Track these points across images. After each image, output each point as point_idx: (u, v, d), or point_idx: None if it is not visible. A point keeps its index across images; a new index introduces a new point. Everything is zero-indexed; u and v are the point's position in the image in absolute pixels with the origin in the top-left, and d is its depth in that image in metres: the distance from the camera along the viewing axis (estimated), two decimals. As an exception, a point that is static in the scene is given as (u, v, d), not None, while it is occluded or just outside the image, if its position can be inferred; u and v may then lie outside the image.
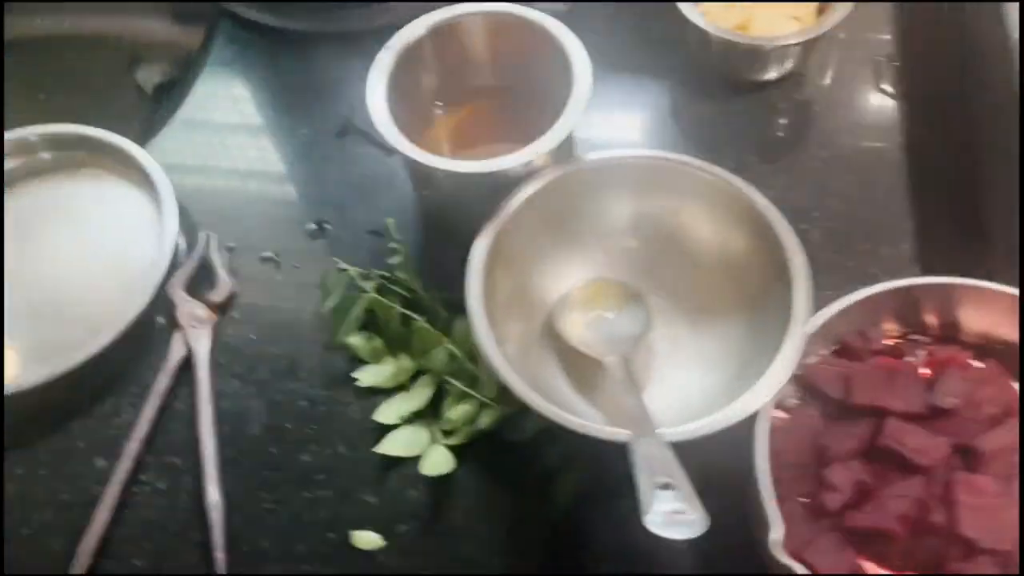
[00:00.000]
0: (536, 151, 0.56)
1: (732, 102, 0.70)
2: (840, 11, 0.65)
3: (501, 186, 0.57)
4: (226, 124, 0.73)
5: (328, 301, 0.60)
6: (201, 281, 0.65)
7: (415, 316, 0.58)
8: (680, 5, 0.67)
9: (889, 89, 0.70)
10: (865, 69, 0.71)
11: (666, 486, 0.44)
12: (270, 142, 0.72)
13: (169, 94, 0.92)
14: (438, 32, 0.62)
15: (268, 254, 0.66)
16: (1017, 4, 0.60)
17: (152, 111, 0.96)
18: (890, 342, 0.55)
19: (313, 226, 0.67)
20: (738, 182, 0.56)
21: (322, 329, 0.62)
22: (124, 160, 0.67)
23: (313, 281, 0.64)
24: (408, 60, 0.61)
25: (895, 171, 0.65)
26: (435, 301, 0.60)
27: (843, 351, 0.55)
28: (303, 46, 0.77)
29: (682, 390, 0.55)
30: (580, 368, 0.58)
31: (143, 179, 0.66)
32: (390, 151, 0.69)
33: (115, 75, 0.92)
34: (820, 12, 0.68)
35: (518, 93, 0.66)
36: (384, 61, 0.60)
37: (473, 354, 0.56)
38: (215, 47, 0.78)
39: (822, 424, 0.52)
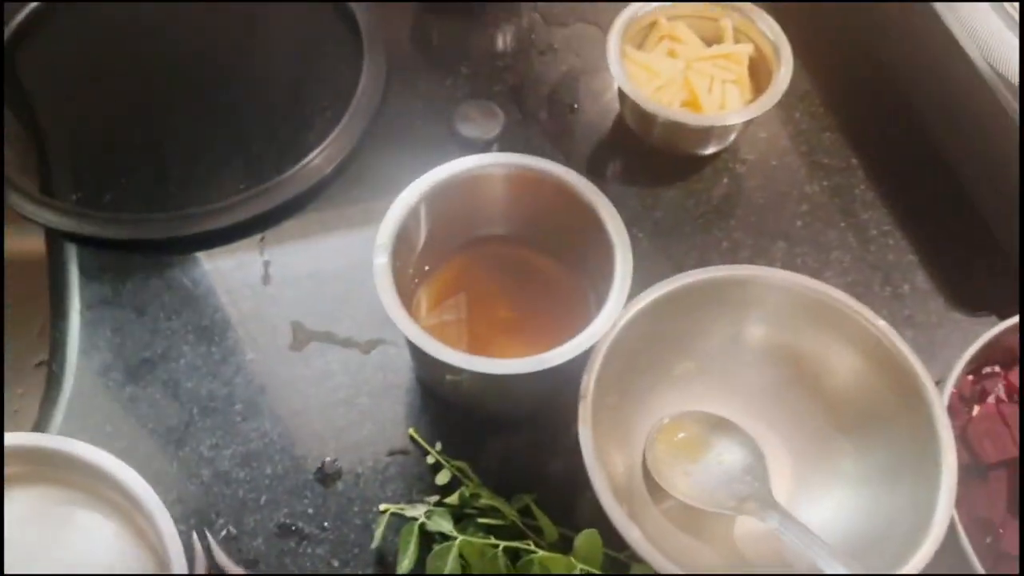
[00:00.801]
0: (593, 337, 0.49)
1: (689, 177, 0.67)
2: (782, 81, 0.62)
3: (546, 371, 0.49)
4: (138, 375, 0.58)
5: (404, 563, 0.49)
6: (216, 595, 0.50)
7: (526, 547, 0.49)
8: (620, 83, 0.62)
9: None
10: (799, 116, 0.70)
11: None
12: (210, 382, 0.57)
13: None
14: (427, 199, 0.53)
15: (284, 522, 0.53)
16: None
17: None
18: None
19: (321, 469, 0.54)
20: (873, 319, 0.50)
21: (397, 594, 0.51)
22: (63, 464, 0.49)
23: (355, 539, 0.53)
24: (398, 244, 0.51)
25: (874, 206, 0.65)
26: (528, 515, 0.51)
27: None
28: (167, 256, 0.62)
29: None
30: (687, 517, 0.52)
31: (93, 483, 0.49)
32: (367, 349, 0.58)
33: None
34: (752, 66, 0.66)
35: (506, 239, 0.58)
36: (382, 264, 0.49)
37: (605, 565, 0.49)
38: (68, 284, 0.61)
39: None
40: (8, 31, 0.72)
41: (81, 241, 0.62)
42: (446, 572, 0.48)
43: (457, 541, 0.49)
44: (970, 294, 0.61)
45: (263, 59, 0.72)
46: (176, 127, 0.68)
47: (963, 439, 0.53)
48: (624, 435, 0.53)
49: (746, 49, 0.65)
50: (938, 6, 0.62)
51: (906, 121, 0.69)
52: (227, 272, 0.62)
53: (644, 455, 0.54)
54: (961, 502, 0.48)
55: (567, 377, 0.50)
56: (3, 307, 0.58)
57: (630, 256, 0.50)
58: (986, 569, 0.47)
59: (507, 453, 0.55)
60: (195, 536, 0.51)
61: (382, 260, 0.49)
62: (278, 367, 0.58)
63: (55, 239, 0.63)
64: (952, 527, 0.46)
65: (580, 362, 0.49)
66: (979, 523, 0.50)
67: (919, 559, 0.44)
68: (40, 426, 0.56)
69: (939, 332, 0.60)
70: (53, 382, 0.58)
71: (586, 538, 0.48)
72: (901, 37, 0.69)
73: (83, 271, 0.62)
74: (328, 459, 0.55)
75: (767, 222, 0.65)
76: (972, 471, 0.52)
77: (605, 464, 0.48)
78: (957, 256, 0.63)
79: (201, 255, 0.62)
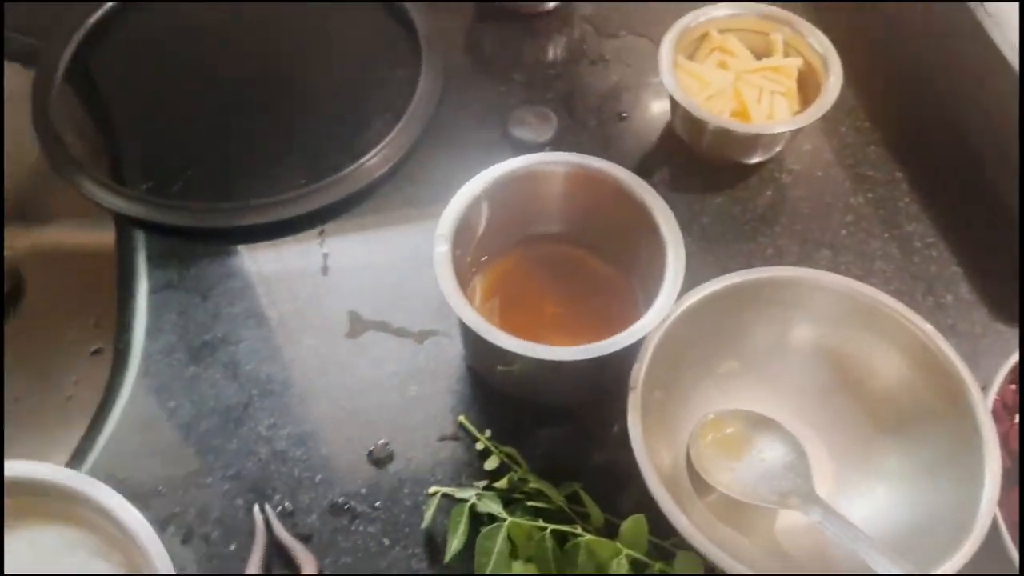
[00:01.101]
0: (644, 329, 0.51)
1: (735, 185, 0.68)
2: (831, 93, 0.64)
3: (597, 360, 0.51)
4: (200, 356, 0.60)
5: (453, 543, 0.51)
6: (272, 562, 0.52)
7: (572, 530, 0.50)
8: (672, 91, 0.64)
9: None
10: (845, 130, 0.72)
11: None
12: (269, 366, 0.60)
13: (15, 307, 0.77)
14: (489, 192, 0.55)
15: (337, 501, 0.54)
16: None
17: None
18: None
19: (374, 451, 0.56)
20: (921, 323, 0.51)
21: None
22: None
23: (406, 519, 0.54)
24: (458, 235, 0.53)
25: (918, 219, 0.67)
26: (575, 501, 0.52)
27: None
28: (231, 244, 0.65)
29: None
30: (730, 512, 0.53)
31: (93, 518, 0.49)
32: (420, 339, 0.60)
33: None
34: (801, 79, 0.68)
35: (559, 238, 0.60)
36: (443, 253, 0.51)
37: (649, 551, 0.50)
38: (135, 268, 0.64)
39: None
40: (84, 29, 0.76)
41: (149, 228, 0.65)
42: (495, 552, 0.49)
43: (506, 522, 0.50)
44: (1014, 305, 0.62)
45: (326, 63, 0.75)
46: (241, 123, 0.71)
47: (1005, 445, 0.53)
48: (669, 430, 0.55)
49: (795, 63, 0.67)
50: (985, 22, 0.63)
51: (951, 136, 0.70)
52: (287, 262, 0.64)
53: (688, 450, 0.55)
54: (1001, 506, 0.49)
55: (614, 371, 0.51)
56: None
57: (683, 252, 0.52)
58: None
59: (554, 444, 0.57)
60: (256, 508, 0.53)
61: (443, 248, 0.51)
62: (335, 354, 0.60)
63: (124, 226, 0.66)
64: (995, 527, 0.47)
65: (627, 357, 0.51)
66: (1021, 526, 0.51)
67: (962, 554, 0.45)
68: (107, 403, 0.59)
69: (983, 342, 0.61)
70: (119, 361, 0.60)
71: (632, 523, 0.50)
72: (947, 53, 0.70)
73: (150, 257, 0.64)
74: (381, 442, 0.57)
75: (812, 231, 0.66)
76: (1013, 476, 0.53)
77: (652, 458, 0.49)
78: (1002, 268, 0.64)
79: (263, 245, 0.65)
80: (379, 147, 0.68)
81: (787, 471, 0.53)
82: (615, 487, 0.54)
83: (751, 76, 0.67)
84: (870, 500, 0.52)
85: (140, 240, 0.65)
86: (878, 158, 0.70)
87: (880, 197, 0.68)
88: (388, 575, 0.52)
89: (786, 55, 0.68)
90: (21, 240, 0.85)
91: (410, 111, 0.70)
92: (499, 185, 0.54)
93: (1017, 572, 0.48)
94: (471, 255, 0.57)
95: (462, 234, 0.53)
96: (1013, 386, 0.56)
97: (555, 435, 0.57)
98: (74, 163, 0.67)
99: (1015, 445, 0.54)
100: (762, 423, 0.55)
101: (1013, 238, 0.65)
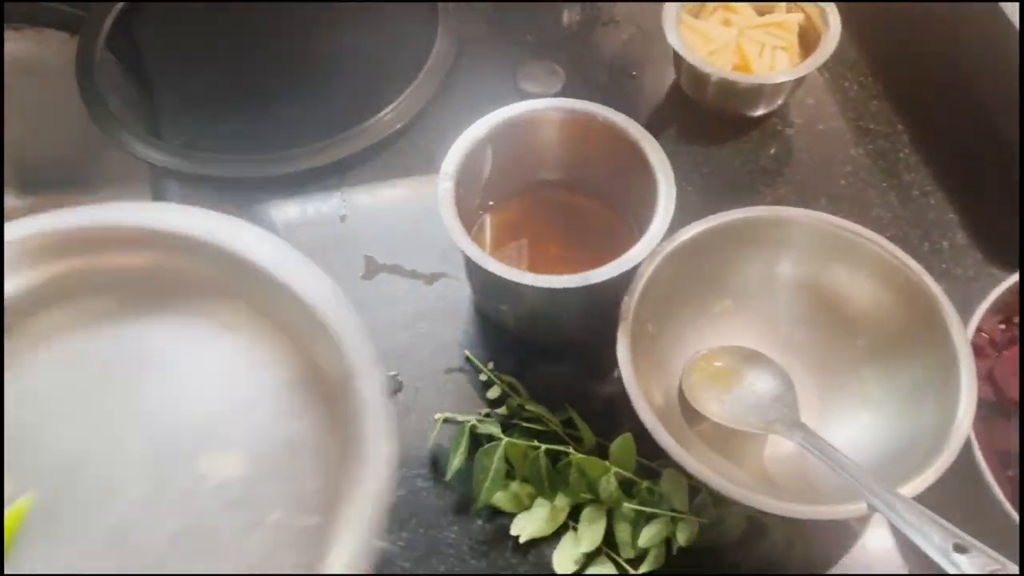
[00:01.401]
0: (635, 258, 0.53)
1: (739, 138, 0.71)
2: (830, 43, 0.66)
3: (592, 291, 0.54)
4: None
5: (454, 462, 0.54)
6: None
7: (565, 449, 0.53)
8: (676, 46, 0.66)
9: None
10: (848, 84, 0.74)
11: (959, 547, 0.42)
12: (290, 304, 0.64)
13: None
14: (491, 136, 0.58)
15: (348, 428, 0.58)
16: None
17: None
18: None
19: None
20: (905, 258, 0.54)
21: (446, 493, 0.56)
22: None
23: (412, 442, 0.58)
24: (462, 175, 0.56)
25: (917, 169, 0.68)
26: (570, 427, 0.55)
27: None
28: (258, 194, 0.69)
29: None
30: (719, 440, 0.55)
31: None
32: (430, 280, 0.64)
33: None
34: (801, 34, 0.69)
35: (560, 185, 0.63)
36: (447, 189, 0.55)
37: (637, 471, 0.53)
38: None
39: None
40: (124, -1, 0.81)
41: (182, 178, 0.70)
42: (492, 469, 0.53)
43: (503, 442, 0.53)
44: (1008, 250, 0.63)
45: (349, 24, 0.79)
46: (268, 83, 0.76)
47: (989, 379, 0.55)
48: (660, 365, 0.57)
49: (796, 17, 0.69)
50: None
51: (953, 90, 0.71)
52: (309, 210, 0.68)
53: (680, 384, 0.57)
54: (984, 436, 0.51)
55: (609, 308, 0.54)
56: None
57: (673, 183, 0.54)
58: (1007, 498, 0.49)
59: (552, 379, 0.60)
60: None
61: (447, 185, 0.55)
62: (350, 293, 0.62)
63: (159, 177, 0.70)
64: (970, 450, 0.49)
65: (622, 293, 0.53)
66: (1001, 456, 0.53)
67: (934, 471, 0.47)
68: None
69: (975, 285, 0.62)
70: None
71: (621, 442, 0.53)
72: (950, 8, 0.71)
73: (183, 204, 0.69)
74: (391, 374, 0.60)
75: (811, 181, 0.68)
76: (996, 408, 0.54)
77: (641, 385, 0.52)
78: (999, 216, 0.65)
79: (287, 194, 0.69)
80: (396, 103, 0.71)
81: (775, 402, 0.55)
82: (609, 422, 0.56)
83: (753, 32, 0.69)
84: (854, 426, 0.54)
85: (174, 190, 0.70)
86: (879, 111, 0.71)
87: (880, 149, 0.69)
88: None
89: (788, 11, 0.70)
90: (69, 205, 0.91)
91: (426, 69, 0.73)
92: (501, 130, 0.57)
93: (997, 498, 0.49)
94: (478, 198, 0.60)
95: (467, 175, 0.56)
96: (1002, 326, 0.57)
97: (555, 372, 0.60)
98: (116, 121, 0.72)
99: (1000, 378, 0.55)
100: (752, 357, 0.57)
101: (1012, 184, 0.66)
